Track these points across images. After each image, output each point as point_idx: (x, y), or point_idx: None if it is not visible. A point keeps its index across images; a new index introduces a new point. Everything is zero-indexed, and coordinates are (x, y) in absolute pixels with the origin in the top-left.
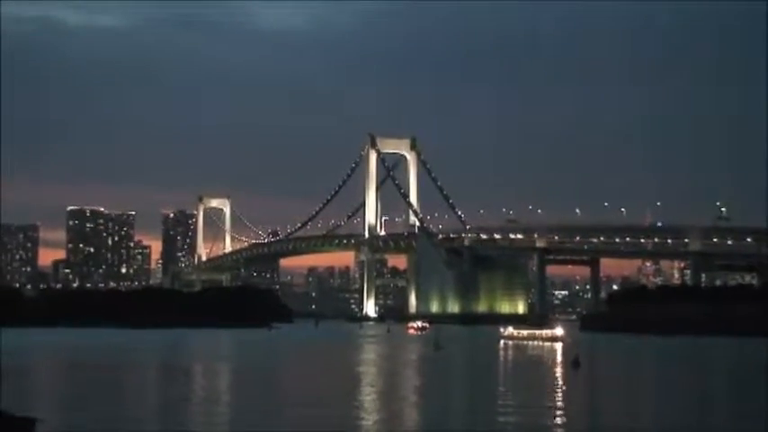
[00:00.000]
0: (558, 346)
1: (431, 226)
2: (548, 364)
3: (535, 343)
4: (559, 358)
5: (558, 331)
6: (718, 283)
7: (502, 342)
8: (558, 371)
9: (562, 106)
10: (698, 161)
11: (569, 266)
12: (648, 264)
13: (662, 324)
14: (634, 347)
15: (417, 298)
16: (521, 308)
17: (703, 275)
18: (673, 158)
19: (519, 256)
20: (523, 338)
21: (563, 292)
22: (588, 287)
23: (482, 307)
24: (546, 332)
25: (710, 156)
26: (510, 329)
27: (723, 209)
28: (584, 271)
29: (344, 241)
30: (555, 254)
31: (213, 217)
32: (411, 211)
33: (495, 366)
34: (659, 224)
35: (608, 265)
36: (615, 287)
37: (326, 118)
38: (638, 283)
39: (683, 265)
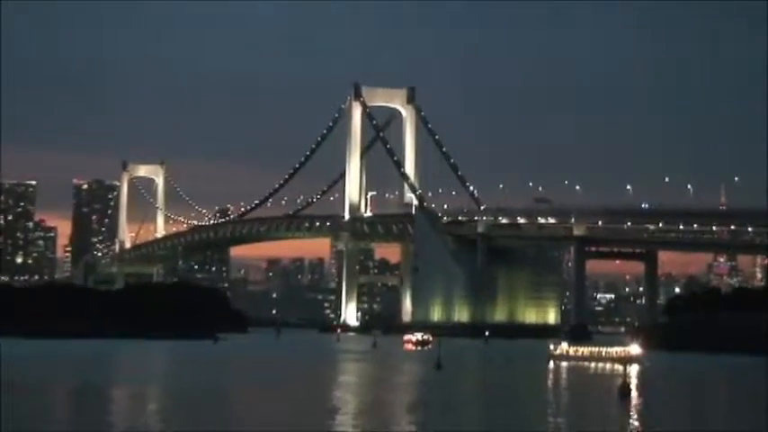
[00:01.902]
0: (634, 369)
1: (433, 205)
2: (609, 395)
3: (600, 365)
4: (633, 387)
5: (634, 349)
6: None
7: (551, 363)
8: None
9: (611, 47)
10: None
11: (617, 262)
12: (722, 259)
13: (741, 340)
14: (703, 370)
15: (414, 302)
16: (552, 316)
17: None
18: (754, 121)
19: (550, 247)
20: (583, 359)
21: (608, 296)
22: (642, 290)
23: (500, 315)
24: (615, 350)
25: None
26: (563, 346)
27: None
28: (636, 268)
29: (317, 224)
30: (598, 245)
31: (142, 190)
32: (407, 186)
33: (533, 396)
34: (737, 207)
35: (669, 261)
36: (678, 290)
37: (294, 62)
38: (708, 285)
39: (767, 261)
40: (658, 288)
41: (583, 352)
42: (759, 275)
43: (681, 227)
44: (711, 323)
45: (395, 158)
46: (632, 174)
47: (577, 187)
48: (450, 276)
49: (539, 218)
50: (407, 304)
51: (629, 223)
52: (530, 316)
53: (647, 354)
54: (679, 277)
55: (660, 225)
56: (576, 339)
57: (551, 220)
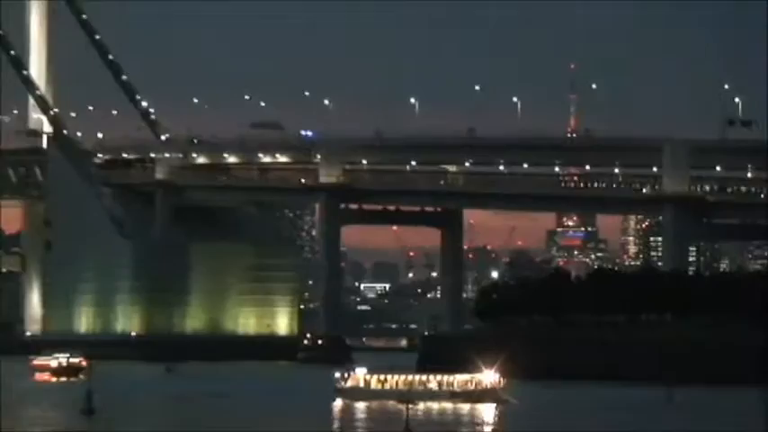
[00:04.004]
0: (489, 411)
1: (80, 135)
2: None
3: (432, 405)
4: None
5: (488, 377)
6: (725, 265)
7: (338, 403)
8: None
9: None
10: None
11: (394, 228)
12: (571, 223)
13: (617, 359)
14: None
15: (48, 301)
16: (285, 323)
17: (693, 249)
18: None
19: (282, 204)
20: (397, 395)
21: (380, 287)
22: (436, 275)
23: (196, 322)
24: (457, 380)
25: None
26: (360, 375)
27: (737, 101)
28: (427, 238)
29: None
30: (362, 200)
31: None
32: (33, 100)
33: None
34: (599, 134)
35: (483, 226)
36: (495, 274)
37: None
38: (550, 266)
39: (646, 224)
40: (464, 271)
41: (396, 383)
42: (632, 249)
43: (502, 168)
44: (554, 332)
45: (12, 53)
46: (421, 81)
47: (326, 102)
48: (110, 257)
49: (261, 154)
50: (35, 305)
51: (413, 162)
52: (247, 323)
53: (511, 386)
54: (500, 253)
55: (468, 165)
56: (323, 360)
57: (283, 159)
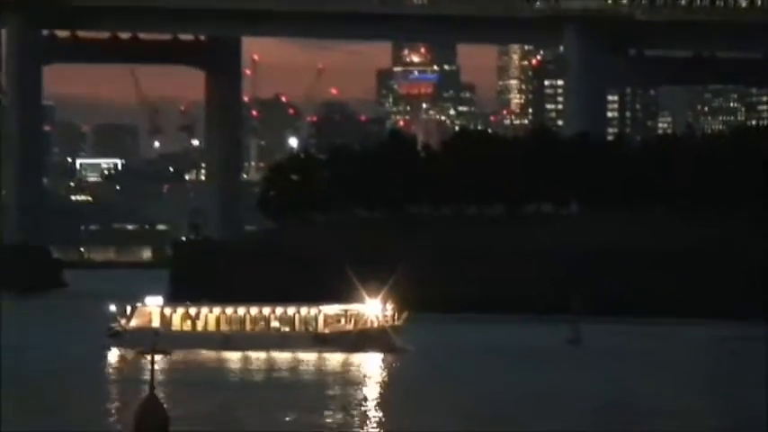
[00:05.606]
0: (376, 362)
1: None
2: None
3: (279, 356)
4: None
5: (373, 310)
6: (665, 125)
7: (115, 355)
8: None
9: None
10: None
11: (131, 70)
12: (417, 59)
13: (473, 276)
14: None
15: None
16: None
17: (613, 98)
18: None
19: None
20: (222, 343)
21: (109, 163)
22: (199, 144)
23: None
24: (328, 314)
25: None
26: (152, 309)
27: None
28: (185, 84)
29: None
30: (77, 23)
31: None
32: None
33: None
34: None
35: (275, 65)
36: (295, 143)
37: None
38: (381, 130)
39: (537, 60)
40: (245, 138)
41: (217, 321)
42: (516, 101)
43: None
44: (404, 233)
45: None
46: None
47: None
48: None
49: None
50: None
51: None
52: None
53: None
54: (303, 108)
55: None
56: (14, 285)
57: None
